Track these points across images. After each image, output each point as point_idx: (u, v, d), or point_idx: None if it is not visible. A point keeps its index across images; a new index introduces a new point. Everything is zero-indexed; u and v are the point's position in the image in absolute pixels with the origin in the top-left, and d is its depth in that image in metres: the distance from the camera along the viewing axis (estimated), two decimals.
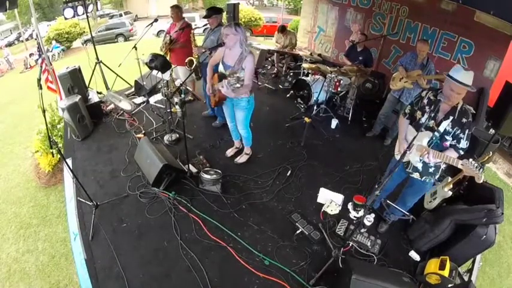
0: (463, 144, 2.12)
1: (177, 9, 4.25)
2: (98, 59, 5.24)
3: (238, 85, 2.68)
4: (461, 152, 2.14)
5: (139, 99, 4.82)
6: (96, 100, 4.55)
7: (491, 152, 2.89)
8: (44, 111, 3.78)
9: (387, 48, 5.67)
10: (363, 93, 5.40)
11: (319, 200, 3.14)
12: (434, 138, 2.18)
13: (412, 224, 2.80)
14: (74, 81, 4.35)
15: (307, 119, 4.03)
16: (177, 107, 2.89)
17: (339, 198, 3.14)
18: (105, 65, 5.33)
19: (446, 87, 2.05)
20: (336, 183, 3.40)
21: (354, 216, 2.89)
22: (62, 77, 4.28)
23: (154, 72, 4.08)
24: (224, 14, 8.00)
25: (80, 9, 4.81)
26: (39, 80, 3.43)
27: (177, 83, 4.28)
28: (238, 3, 6.29)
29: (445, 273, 2.23)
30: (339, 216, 2.97)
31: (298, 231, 2.74)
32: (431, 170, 2.36)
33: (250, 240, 2.65)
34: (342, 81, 4.69)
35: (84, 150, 3.82)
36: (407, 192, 2.64)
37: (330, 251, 2.50)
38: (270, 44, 7.96)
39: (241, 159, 3.60)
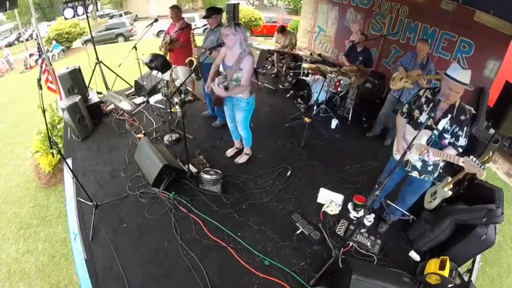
0: (462, 141, 2.13)
1: (176, 10, 4.25)
2: (98, 59, 5.25)
3: (226, 83, 2.72)
4: (460, 150, 2.15)
5: (139, 100, 4.82)
6: (96, 100, 4.55)
7: (491, 152, 2.90)
8: (44, 111, 3.78)
9: (387, 48, 5.67)
10: (363, 93, 5.40)
11: (319, 200, 3.14)
12: (433, 136, 2.18)
13: (412, 224, 2.80)
14: (74, 81, 4.35)
15: (307, 119, 4.03)
16: (177, 107, 2.89)
17: (339, 198, 3.14)
18: (105, 65, 5.33)
19: (445, 86, 2.05)
20: (336, 183, 3.40)
21: (354, 217, 2.89)
22: (62, 77, 4.28)
23: (154, 72, 4.08)
24: (224, 14, 7.99)
25: (80, 10, 4.82)
26: (39, 80, 3.43)
27: (177, 83, 4.28)
28: (238, 3, 6.29)
29: (445, 273, 2.23)
30: (339, 216, 2.97)
31: (298, 232, 2.74)
32: (429, 168, 2.37)
33: (250, 240, 2.65)
34: (342, 81, 4.69)
35: (84, 150, 3.82)
36: (407, 191, 2.64)
37: (330, 251, 2.50)
38: (270, 44, 7.96)
39: (241, 159, 3.60)
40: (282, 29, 6.38)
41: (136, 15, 23.25)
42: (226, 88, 2.81)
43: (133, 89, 5.04)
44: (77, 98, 3.95)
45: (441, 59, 4.80)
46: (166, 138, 3.94)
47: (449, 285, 2.25)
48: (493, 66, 4.30)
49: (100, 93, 5.06)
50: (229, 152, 3.72)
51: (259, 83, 5.90)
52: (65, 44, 13.93)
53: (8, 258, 3.52)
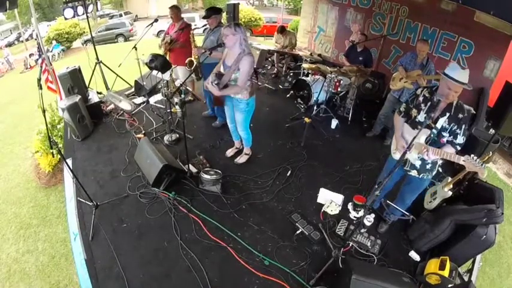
0: (460, 139, 2.14)
1: (176, 10, 4.25)
2: (98, 59, 5.25)
3: (217, 82, 2.75)
4: (458, 148, 2.16)
5: (139, 100, 4.82)
6: (96, 100, 4.55)
7: (491, 152, 2.90)
8: (44, 111, 3.78)
9: (387, 48, 5.67)
10: (363, 93, 5.40)
11: (319, 200, 3.14)
12: (432, 135, 2.18)
13: (412, 224, 2.80)
14: (74, 81, 4.35)
15: (307, 119, 4.03)
16: (177, 107, 2.89)
17: (339, 198, 3.14)
18: (105, 65, 5.33)
19: (443, 86, 2.05)
20: (336, 183, 3.40)
21: (354, 217, 2.89)
22: (62, 77, 4.28)
23: (154, 72, 4.08)
24: (224, 14, 7.98)
25: (80, 10, 4.82)
26: (39, 80, 3.43)
27: (177, 83, 4.28)
28: (238, 3, 6.29)
29: (445, 273, 2.23)
30: (339, 216, 2.97)
31: (298, 232, 2.74)
32: (428, 166, 2.38)
33: (250, 240, 2.65)
34: (342, 82, 4.69)
35: (84, 150, 3.82)
36: (406, 190, 2.64)
37: (330, 251, 2.50)
38: (270, 44, 7.96)
39: (241, 159, 3.60)
40: (282, 29, 6.38)
41: (136, 15, 23.25)
42: (219, 86, 2.84)
43: (133, 89, 5.04)
44: (77, 98, 3.95)
45: (441, 59, 4.80)
46: (166, 138, 3.94)
47: (449, 285, 2.25)
48: (493, 66, 4.30)
49: (100, 93, 5.06)
50: (229, 152, 3.72)
51: (259, 83, 5.90)
52: (65, 44, 13.93)
53: (8, 258, 3.52)
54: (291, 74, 5.95)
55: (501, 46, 4.16)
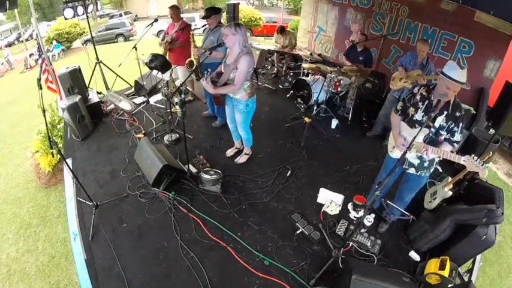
0: (457, 137, 2.15)
1: (175, 9, 4.25)
2: (97, 59, 5.25)
3: (208, 79, 2.79)
4: (456, 145, 2.17)
5: (139, 99, 4.82)
6: (96, 100, 4.55)
7: (491, 152, 2.90)
8: (44, 111, 3.77)
9: (387, 48, 5.67)
10: (363, 93, 5.40)
11: (319, 200, 3.14)
12: (430, 134, 2.19)
13: (412, 224, 2.80)
14: (74, 81, 4.35)
15: (307, 119, 4.03)
16: (177, 107, 2.89)
17: (339, 198, 3.14)
18: (105, 65, 5.33)
19: (442, 85, 2.06)
20: (336, 183, 3.40)
21: (354, 217, 2.88)
22: (62, 77, 4.28)
23: (154, 72, 4.08)
24: (224, 14, 7.97)
25: (80, 10, 4.81)
26: (39, 80, 3.43)
27: (177, 83, 4.28)
28: (238, 3, 6.29)
29: (445, 273, 2.23)
30: (339, 216, 2.97)
31: (298, 232, 2.73)
32: (426, 164, 2.38)
33: (250, 240, 2.65)
34: (342, 81, 4.69)
35: (84, 150, 3.82)
36: (404, 188, 2.65)
37: (330, 251, 2.50)
38: (270, 44, 7.96)
39: (241, 159, 3.60)
40: (282, 30, 6.38)
41: (136, 15, 23.24)
42: (214, 84, 2.87)
43: (133, 89, 5.04)
44: (77, 98, 3.95)
45: (441, 59, 4.80)
46: (166, 138, 3.94)
47: (449, 285, 2.25)
48: (493, 66, 4.30)
49: (100, 93, 5.06)
50: (229, 152, 3.72)
51: (259, 83, 5.90)
52: (65, 44, 13.92)
53: (8, 258, 3.52)
54: (291, 74, 5.95)
55: (501, 46, 4.16)
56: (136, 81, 4.67)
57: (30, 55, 12.94)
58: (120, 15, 21.53)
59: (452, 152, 2.07)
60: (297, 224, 2.80)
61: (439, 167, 3.40)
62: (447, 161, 2.13)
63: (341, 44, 6.33)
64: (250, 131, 3.39)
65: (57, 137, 4.46)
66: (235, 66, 2.78)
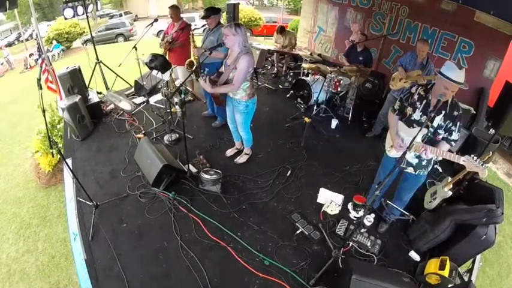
0: (455, 136, 2.16)
1: (175, 9, 4.25)
2: (97, 59, 5.25)
3: (205, 78, 2.80)
4: (453, 144, 2.18)
5: (139, 99, 4.82)
6: (96, 100, 4.55)
7: (491, 152, 2.90)
8: (44, 111, 3.78)
9: (387, 48, 5.67)
10: (363, 93, 5.40)
11: (319, 200, 3.14)
12: (429, 134, 2.19)
13: (412, 224, 2.80)
14: (74, 81, 4.35)
15: (307, 119, 4.03)
16: (177, 107, 2.89)
17: (339, 198, 3.14)
18: (105, 65, 5.33)
19: (440, 86, 2.06)
20: (335, 183, 3.40)
21: (354, 217, 2.89)
22: (62, 77, 4.28)
23: (154, 72, 4.08)
24: (224, 14, 7.97)
25: (80, 9, 4.81)
26: (39, 80, 3.43)
27: (177, 83, 4.28)
28: (238, 3, 6.30)
29: (445, 273, 2.23)
30: (339, 216, 2.97)
31: (298, 231, 2.74)
32: (424, 163, 2.39)
33: (250, 240, 2.65)
34: (341, 81, 4.69)
35: (84, 150, 3.81)
36: (403, 188, 2.65)
37: (330, 251, 2.50)
38: (270, 44, 7.96)
39: (241, 159, 3.60)
40: (281, 30, 6.38)
41: (136, 15, 23.24)
42: (213, 83, 2.87)
43: (133, 89, 5.04)
44: (76, 98, 3.95)
45: (441, 59, 4.80)
46: (166, 138, 3.94)
47: (449, 285, 2.25)
48: (493, 66, 4.30)
49: (100, 93, 5.06)
50: (229, 152, 3.72)
51: (259, 83, 5.90)
52: (65, 43, 13.92)
53: (8, 258, 3.52)
54: (291, 74, 5.95)
55: (501, 46, 4.16)
56: (136, 81, 4.67)
57: (30, 55, 12.94)
58: (120, 15, 21.53)
59: (450, 151, 2.08)
60: (296, 224, 2.80)
61: (439, 167, 3.42)
62: (447, 161, 2.13)
63: (341, 44, 6.34)
64: (251, 131, 3.39)
65: (57, 137, 4.46)
66: (235, 66, 2.78)
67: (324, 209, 3.02)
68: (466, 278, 2.49)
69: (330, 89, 4.63)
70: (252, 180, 3.35)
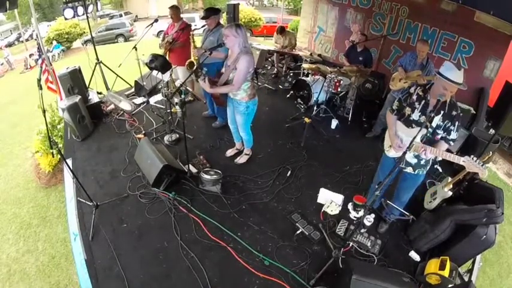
0: (453, 135, 2.17)
1: (175, 10, 4.26)
2: (98, 59, 5.25)
3: (202, 77, 2.81)
4: (452, 143, 2.19)
5: (139, 100, 4.82)
6: (96, 100, 4.55)
7: (491, 152, 2.90)
8: (44, 111, 3.77)
9: (387, 48, 5.67)
10: (363, 93, 5.40)
11: (319, 200, 3.14)
12: (428, 134, 2.20)
13: (412, 224, 2.80)
14: (74, 81, 4.35)
15: (307, 120, 4.03)
16: (177, 107, 2.90)
17: (339, 198, 3.14)
18: (105, 65, 5.33)
19: (439, 86, 2.06)
20: (336, 183, 3.40)
21: (354, 217, 2.88)
22: (62, 77, 4.29)
23: (154, 72, 4.08)
24: (224, 14, 7.97)
25: (80, 10, 4.82)
26: (39, 80, 3.43)
27: (177, 83, 4.29)
28: (238, 4, 6.30)
29: (445, 273, 2.23)
30: (339, 216, 2.97)
31: (298, 232, 2.74)
32: (422, 162, 2.39)
33: (250, 240, 2.65)
34: (341, 82, 4.69)
35: (84, 150, 3.82)
36: (402, 187, 2.65)
37: (330, 251, 2.50)
38: (270, 44, 7.96)
39: (241, 159, 3.60)
40: (281, 30, 6.38)
41: (136, 16, 23.25)
42: (213, 83, 2.88)
43: (133, 89, 5.04)
44: (77, 98, 3.95)
45: (441, 59, 4.80)
46: (166, 138, 3.94)
47: (449, 285, 2.25)
48: (493, 66, 4.30)
49: (100, 93, 5.07)
50: (229, 152, 3.72)
51: (259, 83, 5.90)
52: (65, 44, 13.92)
53: (8, 258, 3.52)
54: (291, 74, 5.95)
55: (501, 46, 4.16)
56: (136, 82, 4.68)
57: (30, 55, 12.94)
58: (120, 15, 21.53)
59: (450, 151, 2.08)
60: (297, 224, 2.80)
61: (439, 167, 3.42)
62: (447, 161, 2.13)
63: (341, 44, 6.34)
64: (251, 132, 3.39)
65: (57, 137, 4.47)
66: (235, 66, 2.79)
67: (324, 209, 3.02)
68: (466, 278, 2.49)
69: (330, 89, 4.63)
70: (252, 180, 3.35)
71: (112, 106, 4.66)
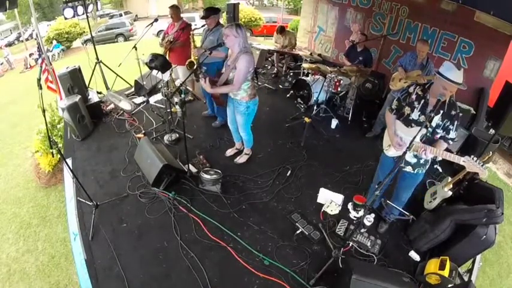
0: (452, 135, 2.17)
1: (176, 9, 4.26)
2: (97, 59, 5.25)
3: (202, 76, 2.82)
4: (451, 143, 2.19)
5: (139, 99, 4.82)
6: (96, 100, 4.55)
7: (491, 152, 2.90)
8: (44, 111, 3.78)
9: (387, 48, 5.67)
10: (363, 93, 5.40)
11: (319, 200, 3.14)
12: (428, 133, 2.19)
13: (412, 224, 2.80)
14: (74, 81, 4.35)
15: (307, 119, 4.03)
16: (177, 107, 2.90)
17: (338, 198, 3.14)
18: (105, 65, 5.33)
19: (438, 86, 2.06)
20: (335, 183, 3.40)
21: (354, 216, 2.88)
22: (62, 76, 4.28)
23: (154, 72, 4.08)
24: (224, 14, 7.96)
25: (80, 9, 4.82)
26: (39, 80, 3.43)
27: (177, 82, 4.28)
28: (238, 3, 6.30)
29: (445, 273, 2.23)
30: (339, 216, 2.97)
31: (298, 231, 2.74)
32: (422, 161, 2.39)
33: (250, 240, 2.65)
34: (342, 81, 4.69)
35: (84, 150, 3.81)
36: (401, 187, 2.65)
37: (330, 251, 2.50)
38: (270, 44, 7.96)
39: (241, 159, 3.60)
40: (281, 30, 6.38)
41: (136, 15, 23.24)
42: (213, 83, 2.87)
43: (133, 89, 5.04)
44: (76, 98, 3.95)
45: (441, 59, 4.79)
46: (166, 138, 3.94)
47: (449, 285, 2.25)
48: (493, 66, 4.30)
49: (100, 93, 5.06)
50: (229, 152, 3.72)
51: (259, 83, 5.90)
52: (65, 43, 13.92)
53: (8, 258, 3.51)
54: (291, 74, 5.95)
55: (501, 46, 4.16)
56: (136, 81, 4.67)
57: (30, 55, 12.93)
58: (120, 15, 21.52)
59: (450, 151, 2.08)
60: (296, 224, 2.80)
61: (439, 167, 3.42)
62: (447, 161, 2.13)
63: (341, 44, 6.34)
64: (251, 132, 3.39)
65: (57, 137, 4.46)
66: (234, 66, 2.78)
67: (324, 209, 3.02)
68: (466, 278, 2.49)
69: (330, 89, 4.63)
70: (252, 180, 3.35)
71: (112, 106, 4.66)
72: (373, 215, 2.62)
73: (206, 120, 4.46)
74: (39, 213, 4.13)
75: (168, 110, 3.84)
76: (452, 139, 2.19)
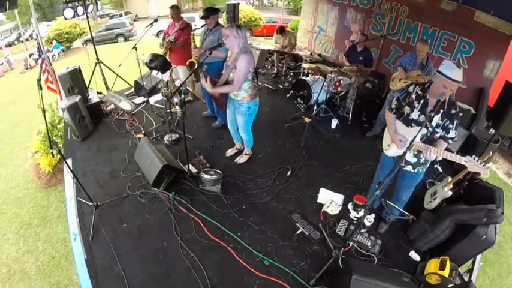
0: (452, 134, 2.17)
1: (176, 9, 4.26)
2: (97, 59, 5.25)
3: (203, 75, 2.81)
4: (451, 142, 2.20)
5: (139, 100, 4.82)
6: (96, 100, 4.55)
7: (491, 152, 2.90)
8: (44, 111, 3.78)
9: (387, 48, 5.67)
10: (363, 93, 5.40)
11: (319, 200, 3.14)
12: (428, 133, 2.19)
13: (412, 224, 2.79)
14: (74, 81, 4.35)
15: (307, 119, 4.03)
16: (177, 107, 2.89)
17: (339, 198, 3.14)
18: (105, 65, 5.33)
19: (439, 84, 2.06)
20: (336, 183, 3.40)
21: (354, 217, 2.88)
22: (62, 77, 4.28)
23: (154, 72, 4.08)
24: (224, 14, 7.96)
25: (80, 10, 4.82)
26: (39, 80, 3.43)
27: (177, 83, 4.28)
28: (238, 3, 6.30)
29: (445, 273, 2.23)
30: (339, 216, 2.97)
31: (298, 232, 2.73)
32: (422, 160, 2.39)
33: (250, 240, 2.64)
34: (342, 81, 4.69)
35: (84, 150, 3.81)
36: (401, 186, 2.65)
37: (330, 251, 2.50)
38: (270, 44, 7.96)
39: (241, 159, 3.60)
40: (281, 30, 6.38)
41: (136, 15, 23.24)
42: (213, 83, 2.87)
43: (133, 89, 5.04)
44: (77, 98, 3.95)
45: (441, 59, 4.79)
46: (166, 138, 3.94)
47: (450, 285, 2.25)
48: (493, 66, 4.29)
49: (100, 93, 5.07)
50: (229, 152, 3.72)
51: (259, 83, 5.90)
52: (65, 44, 13.92)
53: (8, 258, 3.52)
54: (291, 74, 5.95)
55: (501, 46, 4.16)
56: (136, 82, 4.67)
57: (30, 55, 12.93)
58: (120, 15, 21.53)
59: (451, 151, 2.08)
60: (297, 224, 2.80)
61: (439, 167, 3.41)
62: (447, 161, 2.13)
63: (341, 44, 6.34)
64: (251, 132, 3.39)
65: (57, 137, 4.46)
66: (234, 66, 2.78)
67: (324, 209, 3.02)
68: (466, 278, 2.49)
69: (330, 89, 4.63)
70: (252, 180, 3.35)
71: (112, 106, 4.66)
72: (373, 215, 2.62)
73: (206, 121, 4.47)
74: (39, 213, 4.13)
75: (168, 110, 3.84)
76: (452, 138, 2.19)
